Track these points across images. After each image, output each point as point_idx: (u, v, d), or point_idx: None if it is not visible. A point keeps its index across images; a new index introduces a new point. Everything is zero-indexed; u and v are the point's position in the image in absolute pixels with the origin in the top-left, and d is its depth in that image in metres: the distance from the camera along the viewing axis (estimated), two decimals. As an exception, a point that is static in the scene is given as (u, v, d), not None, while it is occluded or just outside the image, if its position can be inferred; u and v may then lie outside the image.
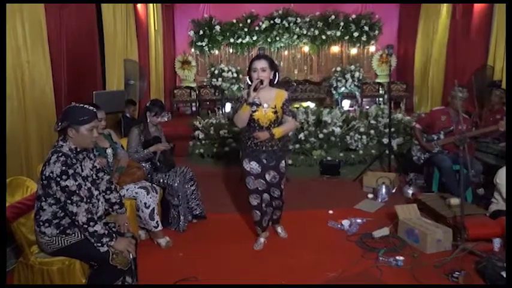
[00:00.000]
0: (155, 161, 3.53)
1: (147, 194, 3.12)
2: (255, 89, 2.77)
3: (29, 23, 3.70)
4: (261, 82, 2.80)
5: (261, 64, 2.85)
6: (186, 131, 6.61)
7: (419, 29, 8.43)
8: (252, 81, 2.91)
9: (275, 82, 2.96)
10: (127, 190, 3.15)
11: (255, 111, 2.87)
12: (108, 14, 5.76)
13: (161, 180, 3.49)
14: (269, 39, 9.29)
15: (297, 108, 6.83)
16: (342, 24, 9.21)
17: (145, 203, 3.11)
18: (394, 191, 4.44)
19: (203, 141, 6.22)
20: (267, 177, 3.00)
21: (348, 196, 4.42)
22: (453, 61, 7.42)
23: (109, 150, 3.17)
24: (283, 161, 3.06)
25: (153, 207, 3.13)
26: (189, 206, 3.60)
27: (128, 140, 3.54)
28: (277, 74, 2.94)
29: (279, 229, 3.36)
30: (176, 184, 3.44)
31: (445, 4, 7.51)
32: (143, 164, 3.48)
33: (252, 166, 2.98)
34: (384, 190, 4.27)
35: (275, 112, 2.90)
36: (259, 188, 3.03)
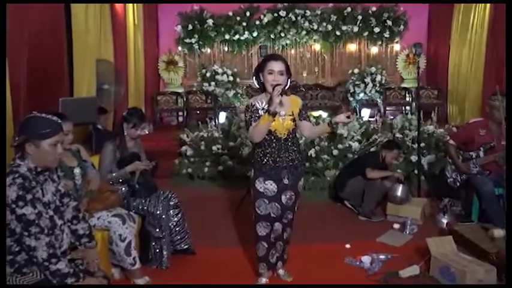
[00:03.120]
0: (133, 183, 3.53)
1: (123, 224, 3.11)
2: (281, 95, 2.83)
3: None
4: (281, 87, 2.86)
5: (279, 66, 2.92)
6: (171, 146, 6.61)
7: (453, 24, 8.50)
8: (259, 84, 2.99)
9: (286, 88, 3.03)
10: (98, 219, 3.14)
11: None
12: (78, 7, 5.82)
13: (140, 207, 3.48)
14: (272, 36, 9.39)
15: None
16: (359, 18, 9.31)
17: (120, 235, 3.09)
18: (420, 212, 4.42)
19: (192, 159, 6.22)
20: (283, 199, 3.04)
21: (369, 226, 4.40)
22: (494, 63, 7.46)
23: (77, 170, 3.17)
24: (302, 178, 3.14)
25: (130, 240, 3.11)
26: (173, 239, 3.58)
27: (100, 158, 3.54)
28: (289, 80, 3.03)
29: (281, 271, 3.30)
30: (158, 212, 3.42)
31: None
32: (118, 187, 3.47)
33: (267, 186, 2.99)
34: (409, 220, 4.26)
35: (293, 120, 2.99)
36: (272, 214, 3.04)
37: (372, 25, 9.35)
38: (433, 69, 9.49)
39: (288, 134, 2.99)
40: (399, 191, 4.37)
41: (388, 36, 9.44)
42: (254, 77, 3.04)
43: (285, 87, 2.97)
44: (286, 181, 3.00)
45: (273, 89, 2.81)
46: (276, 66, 2.91)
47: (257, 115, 2.91)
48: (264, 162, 2.98)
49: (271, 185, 2.99)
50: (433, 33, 9.57)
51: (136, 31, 8.26)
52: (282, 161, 2.98)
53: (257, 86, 3.05)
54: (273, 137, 2.96)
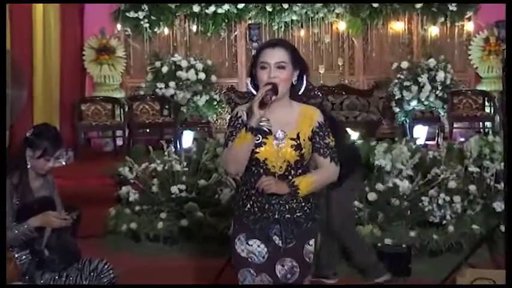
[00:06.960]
0: (40, 247, 3.53)
1: (23, 314, 3.10)
2: (263, 104, 2.80)
3: None
4: (274, 90, 2.83)
5: (278, 56, 2.90)
6: (104, 186, 6.61)
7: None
8: (255, 87, 2.98)
9: (300, 92, 3.03)
10: (-17, 306, 3.12)
11: (259, 146, 2.90)
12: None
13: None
14: (269, 8, 9.51)
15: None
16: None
17: (18, 333, 3.08)
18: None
19: (138, 208, 6.20)
20: (279, 270, 2.99)
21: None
22: None
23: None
24: (311, 240, 3.06)
25: None
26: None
27: (-13, 205, 3.54)
28: (304, 77, 3.01)
29: None
30: (82, 294, 3.42)
31: None
32: (16, 254, 3.47)
33: (253, 248, 2.97)
34: None
35: (297, 147, 2.92)
36: None
37: (428, -7, 9.54)
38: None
39: (288, 168, 2.93)
40: None
41: (455, 9, 9.58)
42: (250, 79, 3.04)
43: (297, 90, 2.99)
44: (279, 242, 2.97)
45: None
46: (272, 56, 2.89)
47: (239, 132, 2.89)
48: (246, 209, 2.97)
49: (258, 246, 2.96)
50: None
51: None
52: (272, 209, 2.93)
53: (254, 91, 2.99)
54: (261, 171, 2.93)
